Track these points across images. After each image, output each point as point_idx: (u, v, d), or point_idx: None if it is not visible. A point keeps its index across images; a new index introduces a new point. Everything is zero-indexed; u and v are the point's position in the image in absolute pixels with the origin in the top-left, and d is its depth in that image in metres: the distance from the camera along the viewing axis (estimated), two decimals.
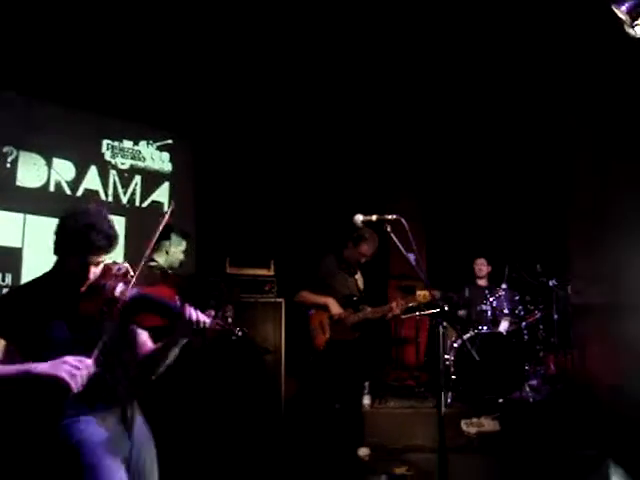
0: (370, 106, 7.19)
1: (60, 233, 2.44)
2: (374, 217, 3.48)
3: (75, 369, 2.16)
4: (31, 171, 5.79)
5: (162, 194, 6.64)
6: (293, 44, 6.19)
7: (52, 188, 5.89)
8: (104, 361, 2.37)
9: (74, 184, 6.03)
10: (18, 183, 5.71)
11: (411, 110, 7.37)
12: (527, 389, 5.97)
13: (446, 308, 3.90)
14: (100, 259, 2.43)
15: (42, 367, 2.20)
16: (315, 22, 5.87)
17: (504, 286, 6.43)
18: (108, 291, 2.40)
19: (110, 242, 2.42)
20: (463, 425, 5.45)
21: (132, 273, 2.45)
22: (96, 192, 6.14)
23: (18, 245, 5.55)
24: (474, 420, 5.50)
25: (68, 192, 5.99)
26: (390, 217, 3.45)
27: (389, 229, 3.46)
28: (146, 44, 5.88)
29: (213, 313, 2.45)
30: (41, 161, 5.88)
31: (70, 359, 2.19)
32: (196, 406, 5.03)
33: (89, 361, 2.21)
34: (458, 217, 8.17)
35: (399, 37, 6.19)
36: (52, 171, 5.91)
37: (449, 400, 5.85)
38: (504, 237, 7.51)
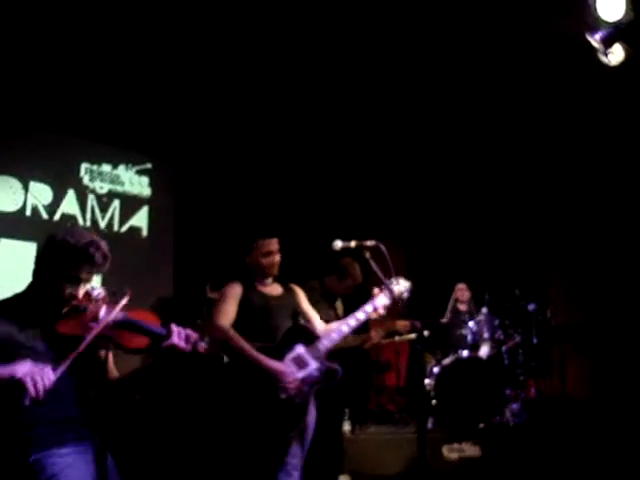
0: (351, 134, 7.21)
1: (55, 249, 2.40)
2: (353, 243, 3.48)
3: (36, 374, 2.09)
4: (7, 194, 5.73)
5: (141, 219, 6.58)
6: (274, 69, 6.20)
7: (29, 212, 5.83)
8: (75, 383, 2.34)
9: (51, 208, 5.97)
10: None
11: (392, 138, 7.40)
12: (508, 413, 5.96)
13: (426, 334, 3.92)
14: (90, 277, 2.42)
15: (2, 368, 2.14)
16: (297, 49, 5.89)
17: (484, 310, 6.45)
18: (90, 313, 2.39)
19: (106, 260, 2.43)
20: (445, 450, 5.41)
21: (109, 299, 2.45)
22: (74, 216, 6.09)
23: None
24: (455, 445, 5.47)
25: (45, 216, 5.92)
26: (369, 243, 3.46)
27: (368, 255, 3.46)
28: (124, 68, 5.85)
29: (197, 330, 2.46)
30: (17, 184, 5.82)
31: (31, 363, 2.14)
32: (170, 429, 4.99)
33: (50, 371, 2.14)
34: (438, 242, 8.22)
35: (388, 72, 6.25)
36: (29, 195, 5.86)
37: (430, 425, 5.82)
38: (484, 262, 7.56)
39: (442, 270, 7.83)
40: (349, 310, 3.94)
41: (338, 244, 3.49)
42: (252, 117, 6.68)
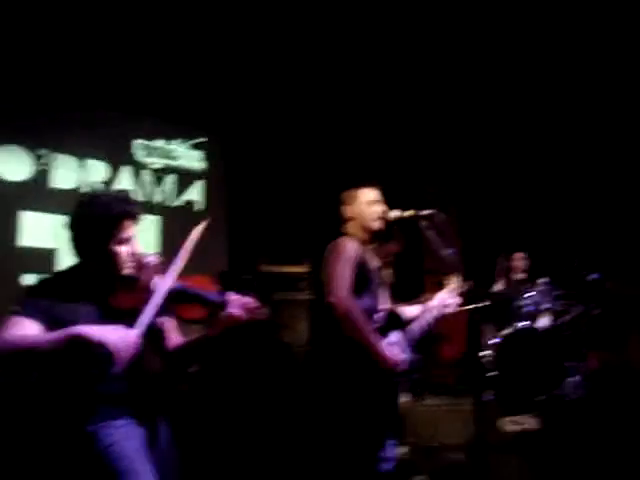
0: (397, 100, 7.11)
1: (80, 221, 2.31)
2: (411, 212, 3.39)
3: (123, 338, 2.05)
4: (65, 173, 5.84)
5: (196, 192, 6.63)
6: (327, 51, 6.18)
7: (85, 189, 5.92)
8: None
9: (107, 185, 6.06)
10: (52, 185, 5.76)
11: (440, 102, 7.26)
12: (568, 386, 5.82)
13: (485, 304, 3.80)
14: (130, 233, 2.32)
15: (89, 330, 2.06)
16: (339, 30, 5.86)
17: (544, 280, 6.28)
18: (144, 282, 2.30)
19: (134, 207, 2.34)
20: (503, 423, 5.34)
21: (165, 264, 2.34)
22: (129, 192, 6.16)
23: (52, 246, 5.59)
24: (514, 418, 5.39)
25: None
26: (426, 212, 3.37)
27: (424, 225, 3.38)
28: (176, 43, 5.87)
29: (253, 298, 2.38)
30: (74, 162, 5.92)
31: (119, 328, 2.07)
32: (226, 402, 5.02)
33: (134, 335, 2.09)
34: (493, 211, 8.04)
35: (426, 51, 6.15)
36: (85, 172, 5.95)
37: (488, 397, 5.74)
38: (541, 231, 7.36)
39: (497, 239, 7.67)
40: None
41: (394, 214, 3.40)
42: (304, 89, 6.63)
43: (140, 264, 2.34)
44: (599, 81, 6.63)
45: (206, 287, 2.40)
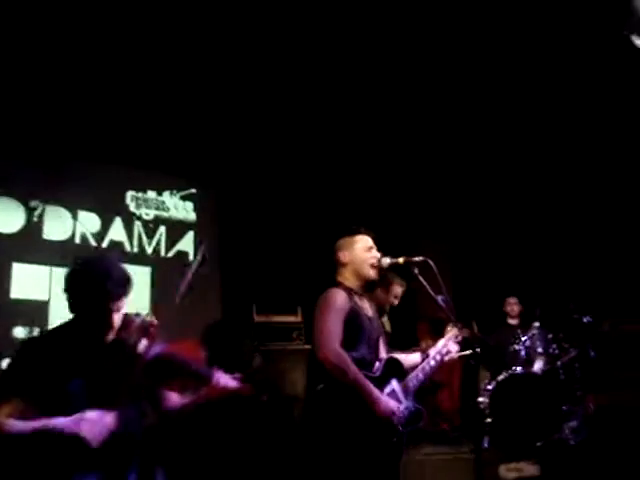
0: (393, 148, 7.19)
1: (74, 287, 2.41)
2: (401, 259, 3.40)
3: (95, 425, 2.14)
4: (57, 224, 5.85)
5: (187, 243, 6.64)
6: (318, 103, 6.29)
7: (78, 240, 5.94)
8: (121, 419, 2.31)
9: (99, 236, 6.08)
10: (44, 236, 5.77)
11: (433, 151, 7.35)
12: (566, 430, 5.76)
13: (478, 350, 3.77)
14: (121, 304, 2.41)
15: (62, 422, 2.17)
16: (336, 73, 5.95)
17: (537, 325, 6.28)
18: (131, 346, 2.37)
19: (127, 288, 2.42)
20: (502, 470, 5.27)
21: (153, 326, 2.41)
22: (121, 243, 6.17)
23: (45, 298, 5.57)
24: (513, 465, 5.32)
25: (94, 244, 6.03)
26: (417, 259, 3.38)
27: (416, 271, 3.39)
28: (168, 95, 5.96)
29: (239, 377, 2.46)
30: (67, 214, 5.94)
31: (91, 415, 2.17)
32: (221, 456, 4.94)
33: (109, 418, 2.18)
34: (486, 256, 8.07)
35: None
36: (77, 224, 5.96)
37: (486, 444, 5.67)
38: (534, 275, 7.39)
39: (490, 284, 7.69)
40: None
41: (386, 261, 3.41)
42: (294, 139, 6.72)
43: (127, 323, 2.43)
44: (589, 132, 6.74)
45: (194, 355, 2.44)
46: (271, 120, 6.48)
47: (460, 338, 3.55)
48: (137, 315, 2.47)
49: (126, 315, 2.45)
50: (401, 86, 6.29)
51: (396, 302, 4.74)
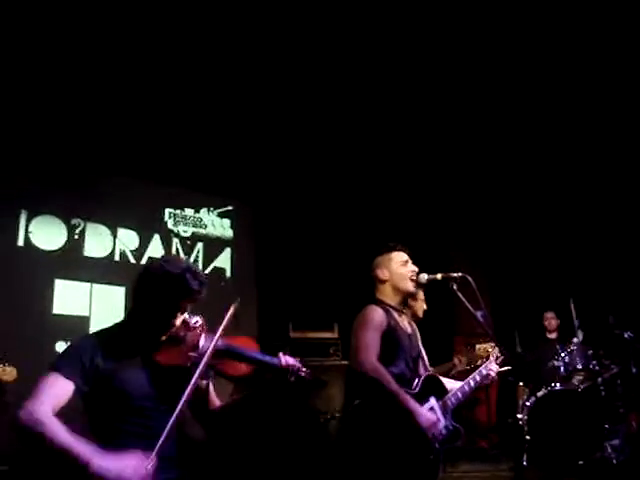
0: (425, 161, 7.21)
1: (152, 278, 2.36)
2: (439, 275, 3.40)
3: (138, 472, 2.03)
4: (97, 242, 5.97)
5: (224, 260, 6.71)
6: (354, 119, 6.33)
7: (117, 257, 6.04)
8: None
9: (138, 253, 6.17)
10: (85, 253, 5.88)
11: (469, 166, 7.33)
12: (608, 449, 5.64)
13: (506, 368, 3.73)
14: (187, 306, 2.38)
15: (103, 464, 2.03)
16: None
17: (576, 340, 6.18)
18: (190, 342, 2.34)
19: (203, 287, 2.36)
20: None
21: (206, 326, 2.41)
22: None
23: (86, 314, 5.68)
24: None
25: (132, 261, 6.13)
26: (455, 275, 3.38)
27: (455, 287, 3.38)
28: (206, 114, 6.05)
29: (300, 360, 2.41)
30: (107, 231, 6.05)
31: (134, 463, 2.05)
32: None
33: (152, 462, 2.06)
34: (523, 270, 7.98)
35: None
36: (117, 241, 6.07)
37: (525, 462, 5.58)
38: (573, 289, 7.28)
39: (528, 298, 7.59)
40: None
41: (424, 277, 3.41)
42: (331, 156, 6.76)
43: (187, 326, 2.39)
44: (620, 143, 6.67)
45: (249, 347, 2.44)
46: (308, 139, 6.55)
47: (500, 360, 3.52)
48: (191, 316, 2.43)
49: (184, 318, 2.42)
50: (434, 107, 6.37)
51: (422, 306, 4.70)
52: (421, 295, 4.60)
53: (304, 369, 2.42)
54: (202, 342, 2.33)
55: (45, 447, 2.08)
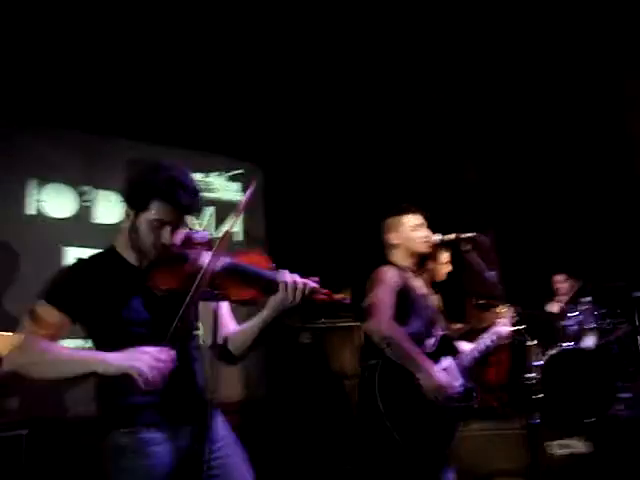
0: (431, 128, 7.18)
1: (134, 189, 2.13)
2: (452, 235, 3.41)
3: (156, 361, 1.88)
4: (107, 208, 5.95)
5: (235, 224, 6.68)
6: (366, 84, 6.29)
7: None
8: (181, 349, 2.05)
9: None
10: (95, 220, 5.88)
11: (477, 124, 7.28)
12: (619, 406, 5.69)
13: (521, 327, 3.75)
14: (180, 219, 2.14)
15: (116, 357, 1.92)
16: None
17: (588, 300, 6.19)
18: (192, 260, 2.09)
19: (196, 202, 2.16)
20: (553, 447, 5.23)
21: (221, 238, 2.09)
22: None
23: None
24: (564, 441, 5.28)
25: None
26: (469, 235, 3.38)
27: (468, 247, 3.39)
28: (215, 77, 6.00)
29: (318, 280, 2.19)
30: (116, 197, 6.04)
31: (151, 350, 1.91)
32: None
33: (172, 352, 1.91)
34: (533, 230, 7.95)
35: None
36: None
37: (536, 420, 5.63)
38: (584, 250, 7.26)
39: (538, 259, 7.58)
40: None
41: (437, 237, 3.41)
42: (342, 118, 6.72)
43: (189, 242, 2.17)
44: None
45: (260, 263, 2.19)
46: (318, 102, 6.50)
47: (515, 319, 3.54)
48: (195, 231, 2.21)
49: (187, 233, 2.18)
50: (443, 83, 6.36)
51: (445, 270, 4.69)
52: (444, 257, 4.59)
53: (318, 287, 2.18)
54: (203, 259, 2.04)
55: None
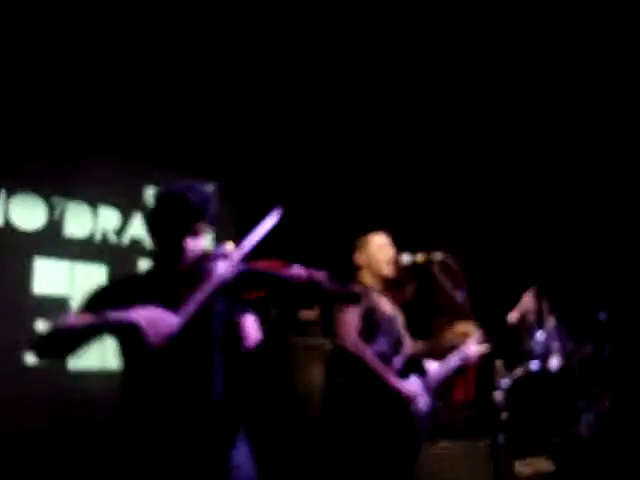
0: (407, 150, 7.25)
1: (155, 205, 2.34)
2: (420, 257, 3.45)
3: (157, 317, 1.99)
4: (78, 220, 5.91)
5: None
6: (340, 101, 6.34)
7: (98, 236, 5.99)
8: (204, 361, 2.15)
9: (119, 232, 6.13)
10: (66, 232, 5.83)
11: (445, 151, 7.37)
12: (582, 427, 5.77)
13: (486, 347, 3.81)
14: (197, 230, 2.28)
15: (119, 313, 2.03)
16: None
17: (553, 320, 6.28)
18: (207, 271, 2.20)
19: (207, 204, 2.32)
20: (517, 466, 5.29)
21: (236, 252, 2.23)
22: (142, 240, 6.19)
23: (66, 293, 5.64)
24: (528, 460, 5.34)
25: (114, 239, 6.08)
26: (437, 257, 3.43)
27: (436, 269, 3.43)
28: (188, 92, 6.01)
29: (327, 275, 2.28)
30: (87, 210, 6.00)
31: (152, 309, 2.02)
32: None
33: (172, 318, 2.00)
34: (500, 250, 8.06)
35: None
36: (98, 219, 6.02)
37: (501, 440, 5.69)
38: (550, 270, 7.37)
39: (505, 277, 7.67)
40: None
41: (405, 258, 3.45)
42: (312, 139, 6.77)
43: (209, 255, 2.28)
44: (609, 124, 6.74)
45: (274, 266, 2.29)
46: (291, 121, 6.53)
47: (483, 341, 3.60)
48: (216, 245, 2.36)
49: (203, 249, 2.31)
50: (423, 93, 6.44)
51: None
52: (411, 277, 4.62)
53: (334, 284, 2.30)
54: (221, 267, 2.18)
55: None
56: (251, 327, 2.39)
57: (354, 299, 2.45)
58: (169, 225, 2.26)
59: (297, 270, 2.30)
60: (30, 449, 4.76)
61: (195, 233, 2.29)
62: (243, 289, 2.22)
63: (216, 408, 2.18)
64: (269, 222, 2.48)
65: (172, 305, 2.12)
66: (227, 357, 2.25)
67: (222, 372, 2.24)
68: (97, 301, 2.20)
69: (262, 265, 2.28)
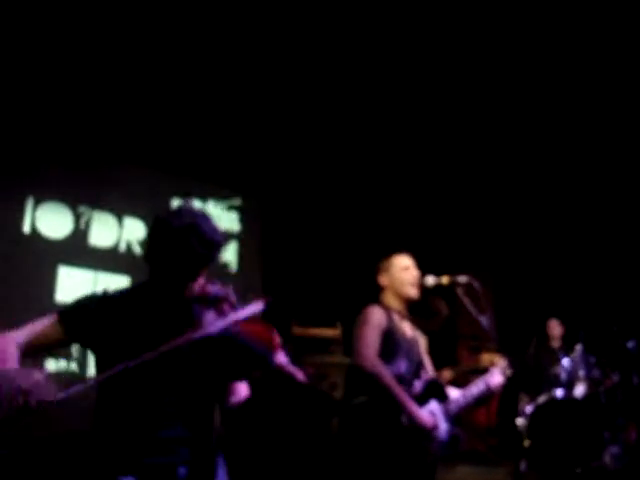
0: (431, 169, 7.20)
1: (153, 236, 2.08)
2: (445, 279, 3.39)
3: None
4: (103, 230, 5.95)
5: (230, 254, 6.69)
6: (364, 119, 6.32)
7: (123, 246, 6.02)
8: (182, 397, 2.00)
9: (144, 243, 6.16)
10: (91, 242, 5.87)
11: (476, 173, 7.32)
12: (607, 457, 5.63)
13: (509, 373, 3.71)
14: (201, 273, 2.08)
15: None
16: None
17: (579, 348, 6.16)
18: (196, 317, 2.03)
19: (210, 251, 2.05)
20: None
21: (230, 301, 2.05)
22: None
23: None
24: None
25: (138, 250, 6.12)
26: (462, 280, 3.37)
27: (461, 292, 3.37)
28: (217, 105, 6.03)
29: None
30: (113, 220, 6.04)
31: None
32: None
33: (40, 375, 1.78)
34: (528, 276, 7.96)
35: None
36: (123, 230, 6.06)
37: (523, 468, 5.57)
38: (578, 297, 7.26)
39: (532, 305, 7.57)
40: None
41: (430, 280, 3.40)
42: (340, 152, 6.75)
43: (203, 292, 2.10)
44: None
45: (260, 336, 2.11)
46: (319, 137, 6.53)
47: (507, 370, 3.51)
48: (213, 284, 2.10)
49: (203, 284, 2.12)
50: (458, 119, 6.42)
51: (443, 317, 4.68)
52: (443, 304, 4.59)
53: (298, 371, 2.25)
54: (208, 318, 2.02)
55: None
56: (241, 384, 2.30)
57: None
58: (170, 267, 2.05)
59: (281, 358, 2.20)
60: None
61: (198, 276, 2.10)
62: (219, 353, 2.04)
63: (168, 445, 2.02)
64: (254, 308, 2.11)
65: (149, 338, 1.96)
66: (200, 405, 2.08)
67: (178, 417, 2.04)
68: (81, 313, 2.04)
69: (249, 333, 2.07)
